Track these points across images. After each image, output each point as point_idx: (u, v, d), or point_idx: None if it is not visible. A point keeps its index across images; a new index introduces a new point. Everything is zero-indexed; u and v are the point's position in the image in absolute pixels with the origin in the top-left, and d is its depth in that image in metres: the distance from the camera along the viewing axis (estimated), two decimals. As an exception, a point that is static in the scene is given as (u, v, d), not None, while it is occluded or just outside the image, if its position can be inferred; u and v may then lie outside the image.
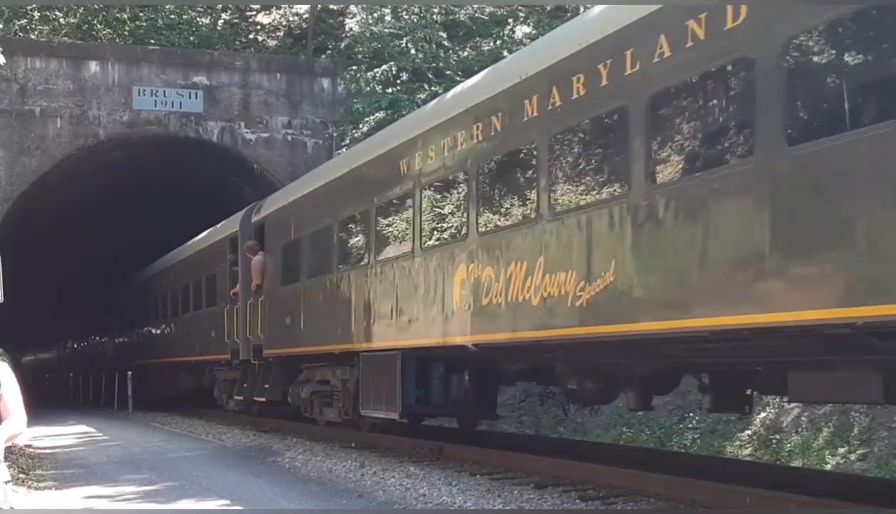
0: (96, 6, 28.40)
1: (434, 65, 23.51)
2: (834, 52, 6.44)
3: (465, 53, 24.67)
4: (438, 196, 11.30)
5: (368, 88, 23.53)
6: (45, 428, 19.76)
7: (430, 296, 11.09)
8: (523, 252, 9.24)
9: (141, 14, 29.38)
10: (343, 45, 26.61)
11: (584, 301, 8.35)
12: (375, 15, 24.30)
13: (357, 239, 13.69)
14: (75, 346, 47.15)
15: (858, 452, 11.45)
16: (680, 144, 7.57)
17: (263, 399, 17.57)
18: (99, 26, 29.06)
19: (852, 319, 6.00)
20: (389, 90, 23.03)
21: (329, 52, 27.77)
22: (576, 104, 8.60)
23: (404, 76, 23.10)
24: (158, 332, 27.09)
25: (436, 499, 9.53)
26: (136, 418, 25.06)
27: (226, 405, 20.90)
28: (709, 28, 7.20)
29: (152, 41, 28.06)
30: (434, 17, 23.96)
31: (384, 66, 23.09)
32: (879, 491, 8.39)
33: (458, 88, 12.02)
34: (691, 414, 14.09)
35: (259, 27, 30.78)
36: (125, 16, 29.32)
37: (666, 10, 7.60)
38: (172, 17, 29.51)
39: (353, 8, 26.21)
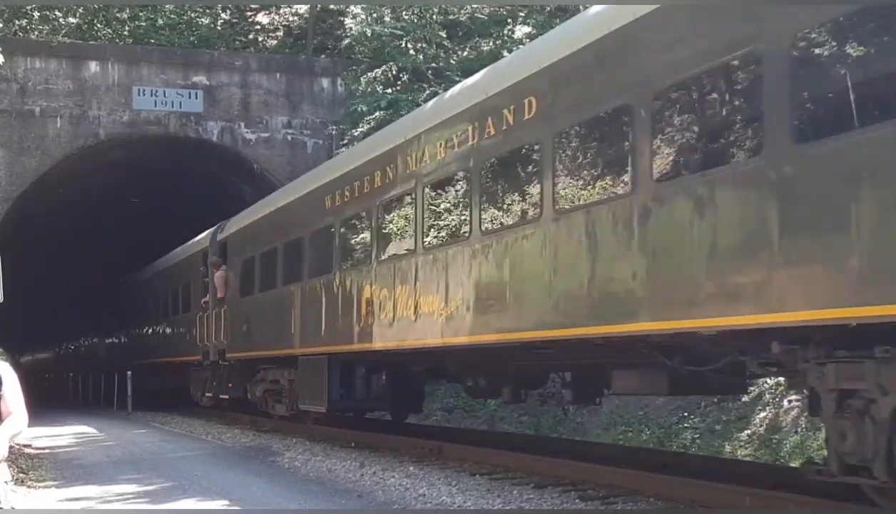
0: (96, 6, 28.42)
1: (434, 65, 23.51)
2: (594, 145, 8.79)
3: (465, 53, 24.68)
4: (352, 231, 14.01)
5: (368, 89, 23.53)
6: (44, 428, 19.76)
7: (347, 309, 13.56)
8: (406, 278, 11.77)
9: (141, 14, 29.40)
10: (343, 45, 26.62)
11: (444, 317, 10.76)
12: (375, 15, 24.30)
13: (295, 260, 16.00)
14: (75, 346, 47.17)
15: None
16: (499, 206, 10.11)
17: (227, 396, 20.22)
18: (99, 26, 29.08)
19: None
20: (389, 90, 23.03)
21: (329, 52, 27.77)
22: (444, 162, 11.01)
23: (404, 76, 23.10)
24: (150, 333, 28.40)
25: (435, 499, 9.53)
26: (136, 418, 25.06)
27: (200, 402, 22.92)
28: (516, 116, 9.46)
29: (152, 41, 28.08)
30: (434, 17, 23.96)
31: (384, 67, 23.09)
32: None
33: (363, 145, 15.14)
34: (687, 414, 14.11)
35: (259, 27, 30.79)
36: (125, 16, 29.34)
37: (488, 102, 10.09)
38: (172, 16, 29.52)
39: (352, 8, 26.21)
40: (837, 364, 6.64)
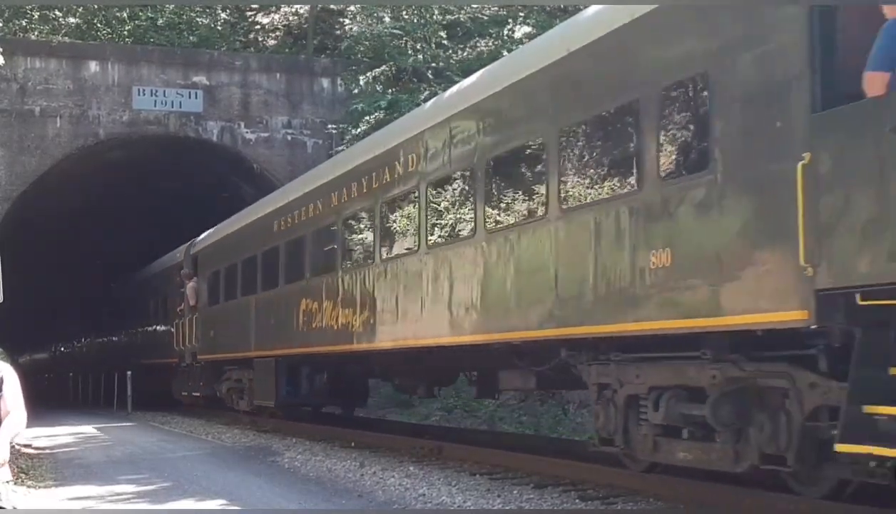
0: (96, 6, 28.42)
1: (434, 65, 23.52)
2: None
3: (465, 54, 24.68)
4: (293, 252, 16.20)
5: (368, 89, 23.54)
6: (44, 428, 19.76)
7: (290, 318, 15.99)
8: (331, 294, 14.29)
9: (141, 14, 29.41)
10: (343, 45, 26.64)
11: (357, 327, 13.25)
12: (375, 16, 24.32)
13: (251, 274, 18.34)
14: (74, 346, 47.20)
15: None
16: (393, 234, 12.62)
17: (199, 394, 22.93)
18: (99, 26, 29.09)
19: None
20: (389, 91, 23.04)
21: (329, 52, 27.79)
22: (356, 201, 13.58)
23: (404, 77, 23.11)
24: (139, 336, 30.51)
25: (435, 499, 9.53)
26: (136, 418, 25.07)
27: (178, 397, 25.30)
28: (405, 168, 11.95)
29: (152, 40, 28.09)
30: (434, 17, 23.98)
31: (383, 67, 23.10)
32: (879, 491, 8.39)
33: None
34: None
35: (259, 27, 30.80)
36: (125, 15, 29.35)
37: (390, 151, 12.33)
38: (172, 16, 29.53)
39: (352, 8, 26.22)
40: (597, 365, 8.94)
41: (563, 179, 8.83)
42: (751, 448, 7.37)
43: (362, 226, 13.66)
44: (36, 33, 26.73)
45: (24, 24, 26.97)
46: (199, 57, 26.03)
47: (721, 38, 7.09)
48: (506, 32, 23.86)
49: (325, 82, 25.95)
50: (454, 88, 12.40)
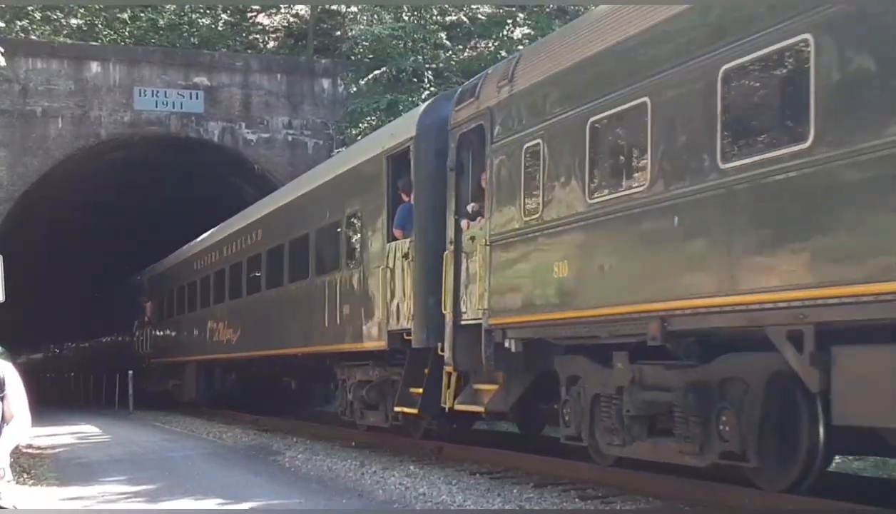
0: (97, 7, 28.44)
1: (433, 66, 23.54)
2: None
3: (465, 54, 24.71)
4: (209, 285, 22.88)
5: (368, 89, 23.56)
6: (46, 427, 19.78)
7: (202, 333, 22.96)
8: (221, 316, 21.48)
9: (142, 15, 29.41)
10: (343, 46, 26.66)
11: (236, 339, 20.21)
12: (375, 17, 24.33)
13: (183, 299, 25.73)
14: (75, 345, 47.23)
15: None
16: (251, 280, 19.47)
17: (157, 390, 28.45)
18: (100, 27, 29.10)
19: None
20: (388, 94, 23.06)
21: (329, 52, 27.81)
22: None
23: (404, 77, 23.12)
24: (120, 341, 35.45)
25: (435, 498, 9.55)
26: (137, 418, 25.09)
27: (149, 390, 29.41)
28: (256, 238, 19.14)
29: (153, 41, 28.10)
30: (434, 17, 23.99)
31: (383, 68, 23.12)
32: (878, 491, 8.42)
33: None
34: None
35: (259, 28, 30.82)
36: (126, 16, 29.35)
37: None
38: (173, 17, 29.54)
39: (352, 8, 26.23)
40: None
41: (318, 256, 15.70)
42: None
43: (238, 272, 20.21)
44: (37, 34, 26.74)
45: (26, 24, 26.98)
46: (200, 58, 26.06)
47: None
48: (505, 33, 23.89)
49: (326, 83, 25.96)
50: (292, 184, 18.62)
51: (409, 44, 23.22)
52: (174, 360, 26.05)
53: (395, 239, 12.32)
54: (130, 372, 28.11)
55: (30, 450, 15.32)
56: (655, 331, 7.72)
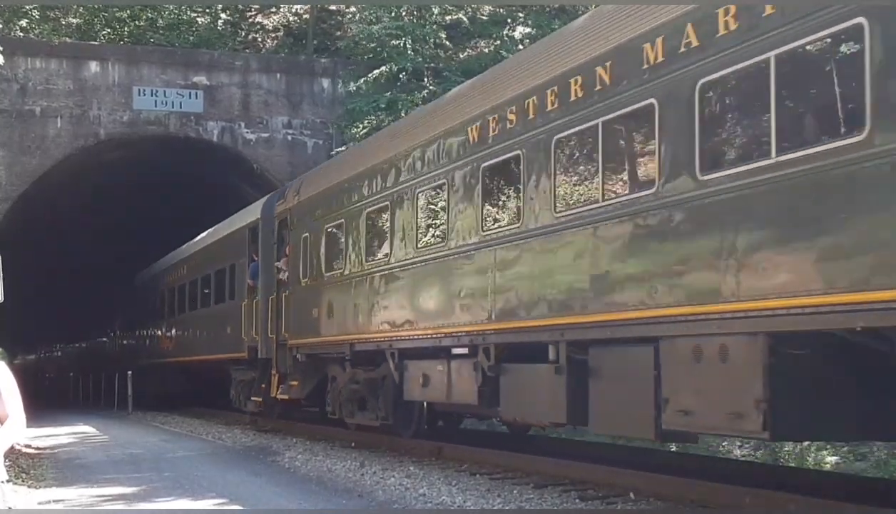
0: (96, 6, 28.39)
1: (433, 65, 23.51)
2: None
3: (465, 54, 24.67)
4: (174, 296, 27.11)
5: (367, 89, 23.53)
6: (44, 428, 19.76)
7: (169, 339, 27.39)
8: (165, 328, 27.83)
9: (141, 14, 29.37)
10: (342, 45, 26.61)
11: (170, 346, 26.90)
12: (374, 17, 24.28)
13: (143, 312, 30.83)
14: (75, 345, 47.23)
15: (858, 451, 11.46)
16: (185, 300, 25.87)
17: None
18: (99, 26, 29.06)
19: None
20: (387, 93, 23.04)
21: (328, 52, 27.77)
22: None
23: (403, 77, 23.09)
24: (107, 345, 38.77)
25: (435, 499, 9.54)
26: (136, 418, 25.08)
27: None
28: (190, 267, 25.37)
29: (152, 41, 28.06)
30: (433, 17, 23.96)
31: (383, 67, 23.09)
32: (878, 491, 8.41)
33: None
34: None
35: (259, 27, 30.78)
36: (125, 15, 29.31)
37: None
38: (172, 17, 29.50)
39: (352, 8, 26.18)
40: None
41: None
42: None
43: (173, 296, 26.22)
44: (36, 33, 26.69)
45: (25, 24, 26.93)
46: (199, 57, 26.03)
47: None
48: (505, 33, 23.86)
49: (325, 82, 25.93)
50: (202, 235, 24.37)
51: (409, 43, 23.16)
52: (150, 362, 29.18)
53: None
54: (130, 373, 28.10)
55: (28, 451, 15.31)
56: (347, 351, 13.71)
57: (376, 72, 23.15)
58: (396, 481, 10.68)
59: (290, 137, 25.69)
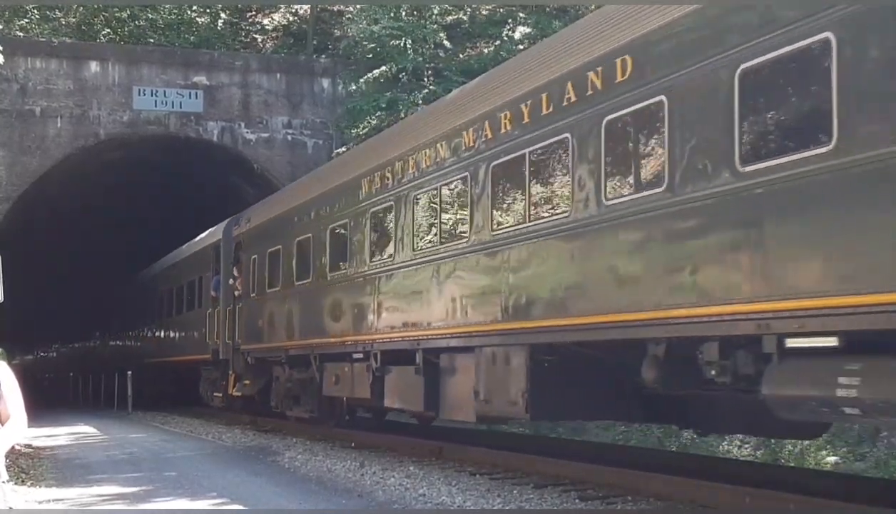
0: (96, 6, 28.40)
1: (433, 65, 23.51)
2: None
3: (465, 55, 24.66)
4: (148, 304, 29.68)
5: (367, 89, 23.53)
6: (44, 428, 19.76)
7: (166, 342, 27.59)
8: (156, 330, 29.42)
9: (141, 14, 29.37)
10: (342, 45, 26.60)
11: (159, 346, 28.05)
12: (374, 17, 24.27)
13: (133, 315, 32.51)
14: (75, 345, 47.24)
15: (858, 451, 11.47)
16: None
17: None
18: (99, 26, 29.06)
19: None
20: (387, 93, 23.04)
21: (328, 52, 27.77)
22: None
23: (403, 77, 23.09)
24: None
25: (435, 499, 9.54)
26: (136, 418, 25.08)
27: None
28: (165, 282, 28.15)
29: (152, 41, 28.05)
30: (433, 17, 23.95)
31: (383, 67, 23.09)
32: (878, 491, 8.41)
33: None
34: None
35: (259, 27, 30.79)
36: (125, 15, 29.31)
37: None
38: (172, 17, 29.50)
39: (351, 9, 26.16)
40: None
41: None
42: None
43: (161, 301, 27.59)
44: (36, 33, 26.69)
45: (25, 23, 26.93)
46: (199, 57, 26.03)
47: None
48: (505, 33, 23.85)
49: (325, 82, 25.93)
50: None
51: (409, 43, 23.15)
52: (135, 363, 29.93)
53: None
54: (129, 373, 28.10)
55: (29, 451, 15.30)
56: (284, 355, 16.30)
57: (376, 72, 23.15)
58: (396, 481, 10.68)
59: (290, 138, 25.69)
